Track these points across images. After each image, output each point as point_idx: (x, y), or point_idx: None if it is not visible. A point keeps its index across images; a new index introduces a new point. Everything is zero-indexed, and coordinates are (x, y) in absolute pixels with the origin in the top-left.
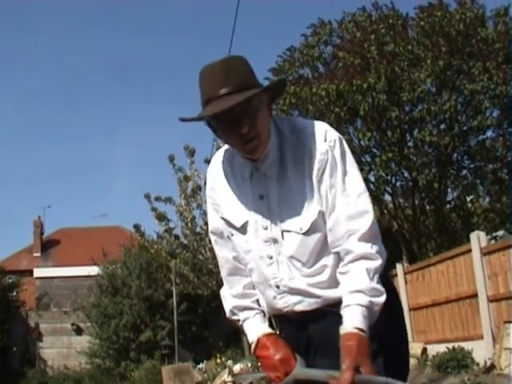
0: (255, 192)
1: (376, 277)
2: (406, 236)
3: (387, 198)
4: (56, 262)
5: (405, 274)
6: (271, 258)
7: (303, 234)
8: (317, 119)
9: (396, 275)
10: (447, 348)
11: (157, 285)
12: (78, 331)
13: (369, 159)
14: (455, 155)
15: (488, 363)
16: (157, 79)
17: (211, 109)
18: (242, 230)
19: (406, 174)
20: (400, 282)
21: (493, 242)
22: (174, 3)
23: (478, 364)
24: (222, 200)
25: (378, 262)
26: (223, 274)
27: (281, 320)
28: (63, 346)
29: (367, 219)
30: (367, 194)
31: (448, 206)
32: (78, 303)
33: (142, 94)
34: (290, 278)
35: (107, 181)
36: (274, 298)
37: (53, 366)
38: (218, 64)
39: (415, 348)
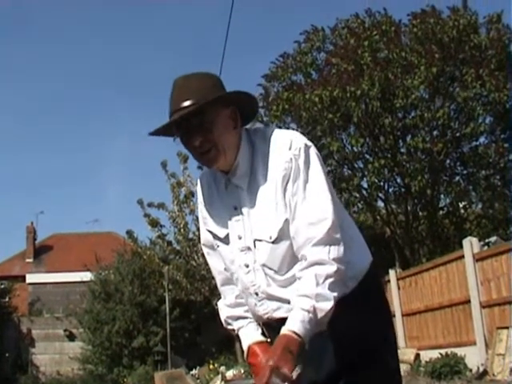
0: (230, 203)
1: (327, 282)
2: (399, 242)
3: (380, 204)
4: (48, 267)
5: (397, 279)
6: (247, 266)
7: (272, 242)
8: (310, 125)
9: (389, 281)
10: (440, 354)
11: (149, 291)
12: (71, 337)
13: (361, 165)
14: (448, 161)
15: (481, 369)
16: (149, 87)
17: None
18: (226, 240)
19: (398, 180)
20: (393, 288)
21: (485, 248)
22: (167, 14)
23: (470, 370)
24: (207, 212)
25: (330, 268)
26: (217, 284)
27: (267, 328)
28: (56, 351)
29: (324, 225)
30: (328, 200)
31: (441, 212)
32: (71, 309)
33: (135, 101)
34: (268, 284)
35: (100, 186)
36: (255, 305)
37: (45, 372)
38: (182, 78)
39: (408, 354)
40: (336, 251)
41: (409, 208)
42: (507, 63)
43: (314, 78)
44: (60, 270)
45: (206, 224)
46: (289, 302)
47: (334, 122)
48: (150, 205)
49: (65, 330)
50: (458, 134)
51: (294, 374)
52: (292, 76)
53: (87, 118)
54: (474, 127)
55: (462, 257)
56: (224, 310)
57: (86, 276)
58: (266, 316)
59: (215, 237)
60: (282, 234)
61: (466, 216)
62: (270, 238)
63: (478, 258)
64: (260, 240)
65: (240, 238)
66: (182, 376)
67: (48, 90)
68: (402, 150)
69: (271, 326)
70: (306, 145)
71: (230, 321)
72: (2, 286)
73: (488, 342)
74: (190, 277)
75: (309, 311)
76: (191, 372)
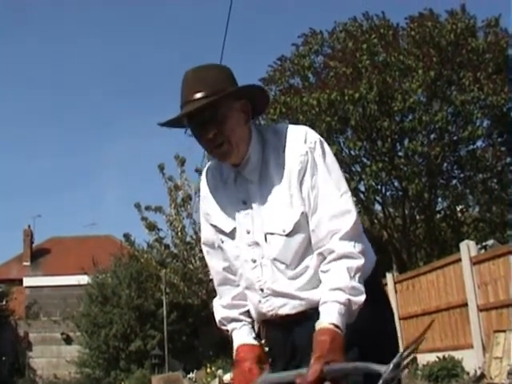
0: (239, 197)
1: (357, 276)
2: (396, 245)
3: (377, 207)
4: (46, 271)
5: (395, 283)
6: (255, 261)
7: (286, 235)
8: None
9: (386, 284)
10: (437, 357)
11: (147, 294)
12: (68, 340)
13: (359, 169)
14: (445, 165)
15: (478, 372)
16: (147, 90)
17: (178, 113)
18: (231, 235)
19: (396, 184)
20: (390, 292)
21: (483, 251)
22: (165, 15)
23: (468, 373)
24: (212, 207)
25: (359, 262)
26: (214, 284)
27: (268, 327)
28: (53, 355)
29: (349, 218)
30: (349, 193)
31: (438, 215)
32: (68, 312)
33: (133, 105)
34: (274, 280)
35: (98, 190)
36: (260, 302)
37: (42, 375)
38: (194, 70)
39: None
40: (360, 245)
41: (406, 211)
42: (505, 67)
43: (311, 82)
44: (57, 274)
45: (209, 219)
46: (294, 298)
47: (331, 125)
48: (148, 208)
49: (62, 334)
50: (455, 138)
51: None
52: (289, 79)
53: (85, 122)
54: (471, 131)
55: (460, 260)
56: (219, 310)
57: (84, 279)
58: (270, 313)
59: (220, 231)
60: (298, 227)
61: (464, 219)
62: (284, 231)
63: (476, 262)
64: (272, 233)
65: (248, 232)
66: (179, 379)
67: (46, 93)
68: (400, 154)
69: (274, 324)
70: (320, 140)
71: (224, 322)
72: (0, 290)
73: (485, 346)
74: (188, 280)
75: (344, 304)
76: (188, 375)
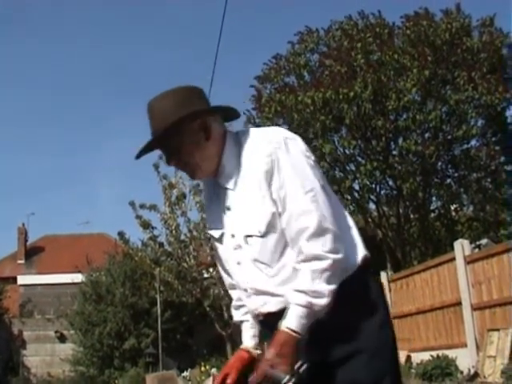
0: (223, 204)
1: (324, 277)
2: (391, 244)
3: (372, 206)
4: (40, 269)
5: (389, 282)
6: (239, 263)
7: (261, 236)
8: (302, 127)
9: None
10: (431, 356)
11: (141, 292)
12: (62, 339)
13: (353, 168)
14: (439, 164)
15: (472, 371)
16: (141, 89)
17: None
18: (220, 240)
19: (390, 183)
20: (384, 291)
21: (476, 250)
22: (161, 14)
23: (461, 372)
24: (207, 216)
25: (327, 262)
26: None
27: (260, 322)
28: (47, 353)
29: (315, 215)
30: (315, 192)
31: (432, 214)
32: (62, 310)
33: (127, 103)
34: (255, 279)
35: (92, 188)
36: (246, 300)
37: (36, 373)
38: (150, 102)
39: (399, 356)
40: (330, 242)
41: (400, 210)
42: (500, 66)
43: (306, 80)
44: (51, 272)
45: (207, 227)
46: (274, 296)
47: (326, 124)
48: (142, 206)
49: (56, 332)
50: (449, 137)
51: (299, 366)
52: (285, 78)
53: (79, 120)
54: (465, 130)
55: (454, 259)
56: (233, 311)
57: (78, 277)
58: (255, 312)
59: (212, 238)
60: (271, 227)
61: (458, 218)
62: (259, 232)
63: (469, 261)
64: (251, 236)
65: (233, 236)
66: (173, 378)
67: (40, 92)
68: (394, 153)
69: (262, 322)
70: (286, 137)
71: (237, 323)
72: None
73: (479, 344)
74: (182, 278)
75: (305, 306)
76: (183, 374)
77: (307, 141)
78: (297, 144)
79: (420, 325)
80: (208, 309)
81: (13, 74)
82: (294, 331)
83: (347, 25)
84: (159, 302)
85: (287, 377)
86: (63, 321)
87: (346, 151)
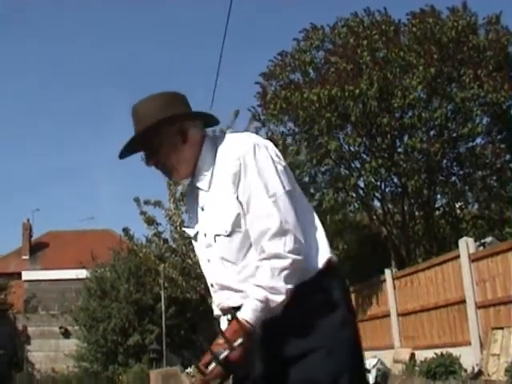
0: (198, 204)
1: (283, 275)
2: (395, 242)
3: (376, 203)
4: (44, 264)
5: (393, 279)
6: (209, 260)
7: (227, 236)
8: (307, 125)
9: (384, 281)
10: (435, 354)
11: (145, 288)
12: (66, 334)
13: (358, 165)
14: (445, 162)
15: (476, 369)
16: (145, 85)
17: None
18: (195, 238)
19: (395, 180)
20: (388, 288)
21: (481, 248)
22: (165, 11)
23: (465, 370)
24: (186, 213)
25: (286, 261)
26: None
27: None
28: (51, 349)
29: (276, 218)
30: (276, 196)
31: (437, 212)
32: (66, 306)
33: (131, 99)
34: (221, 276)
35: (96, 184)
36: (213, 295)
37: (40, 369)
38: (134, 106)
39: (403, 353)
40: (291, 242)
41: (405, 208)
42: (506, 64)
43: (312, 77)
44: (56, 268)
45: (184, 225)
46: (237, 291)
47: (331, 121)
48: (147, 202)
49: (60, 328)
50: (454, 135)
51: (235, 342)
52: (290, 75)
53: (82, 116)
54: (471, 128)
55: (458, 257)
56: (213, 306)
57: (82, 273)
58: (219, 306)
59: (189, 236)
60: (235, 227)
61: (462, 216)
62: (226, 231)
63: (474, 259)
64: (219, 235)
65: (205, 235)
66: (177, 374)
67: (44, 88)
68: (399, 150)
69: (225, 315)
70: (256, 143)
71: (216, 316)
72: None
73: (483, 342)
74: (186, 275)
75: (261, 301)
76: (186, 370)
77: (312, 138)
78: (266, 150)
79: (424, 323)
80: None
81: (14, 72)
82: (248, 322)
83: (353, 22)
84: (163, 298)
85: (226, 352)
86: (67, 316)
87: (352, 148)
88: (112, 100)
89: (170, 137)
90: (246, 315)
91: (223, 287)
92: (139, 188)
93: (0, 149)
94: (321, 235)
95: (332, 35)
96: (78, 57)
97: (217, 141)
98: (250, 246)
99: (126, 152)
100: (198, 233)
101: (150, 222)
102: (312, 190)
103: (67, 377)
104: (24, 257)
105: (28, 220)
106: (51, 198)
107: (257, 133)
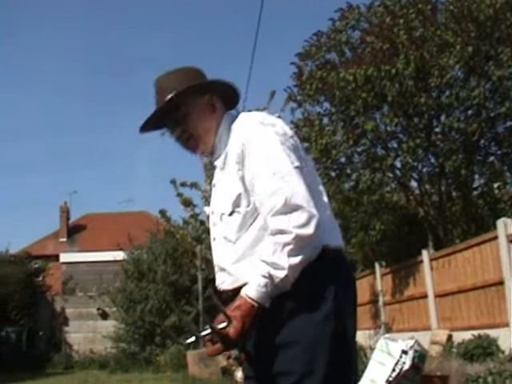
0: (212, 182)
1: (286, 250)
2: (432, 222)
3: (413, 184)
4: (82, 247)
5: (431, 260)
6: (214, 239)
7: (229, 215)
8: (343, 105)
9: (421, 262)
10: (473, 335)
11: (182, 270)
12: (104, 316)
13: (395, 145)
14: (482, 141)
15: None
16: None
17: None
18: (209, 217)
19: (432, 161)
20: (426, 269)
21: None
22: None
23: (503, 352)
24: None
25: (289, 236)
26: None
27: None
28: (89, 330)
29: (283, 194)
30: (284, 173)
31: (475, 192)
32: (104, 288)
33: None
34: (221, 257)
35: (133, 166)
36: (216, 276)
37: (79, 350)
38: (157, 78)
39: (440, 335)
40: (297, 218)
41: (442, 188)
42: None
43: (348, 57)
44: (93, 250)
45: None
46: (229, 275)
47: (367, 101)
48: (183, 184)
49: (98, 309)
50: (492, 114)
51: (218, 325)
52: (326, 54)
53: (119, 97)
54: (509, 107)
55: (496, 238)
56: None
57: (119, 255)
58: (219, 286)
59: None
60: (235, 207)
61: (501, 196)
62: (228, 210)
63: None
64: (223, 214)
65: (213, 213)
66: None
67: (83, 69)
68: (437, 130)
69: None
70: (260, 122)
71: None
72: (36, 265)
73: None
74: None
75: (265, 276)
76: None
77: (349, 118)
78: (273, 127)
79: (461, 304)
80: None
81: (59, 51)
82: (251, 298)
83: (389, 1)
84: (200, 279)
85: (224, 324)
86: (105, 298)
87: (388, 128)
88: (146, 79)
89: (199, 106)
90: (249, 291)
91: (220, 269)
92: (175, 170)
93: (39, 131)
94: (331, 220)
95: (368, 14)
96: (120, 43)
97: (232, 119)
98: (249, 226)
99: (148, 125)
100: (211, 211)
101: (187, 203)
102: (348, 171)
103: (105, 357)
104: (62, 239)
105: (65, 203)
106: (88, 181)
107: (293, 113)
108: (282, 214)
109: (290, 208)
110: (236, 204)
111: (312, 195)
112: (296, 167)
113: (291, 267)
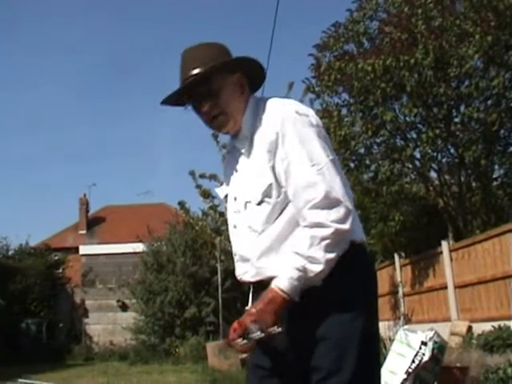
0: (234, 166)
1: (323, 244)
2: (452, 213)
3: (433, 174)
4: (101, 239)
5: (450, 251)
6: (235, 227)
7: (257, 204)
8: (362, 95)
9: (441, 253)
10: (493, 326)
11: (202, 262)
12: (124, 308)
13: (414, 135)
14: (502, 132)
15: None
16: None
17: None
18: (225, 200)
19: (452, 151)
20: (445, 260)
21: None
22: None
23: None
24: (223, 171)
25: (328, 230)
26: None
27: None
28: (109, 322)
29: (322, 187)
30: (321, 165)
31: (495, 182)
32: (123, 280)
33: None
34: (243, 246)
35: (152, 158)
36: (236, 265)
37: (98, 341)
38: (187, 50)
39: (460, 326)
40: (337, 212)
41: (462, 179)
42: None
43: (366, 48)
44: (112, 242)
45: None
46: (253, 266)
47: (386, 91)
48: (202, 176)
49: (117, 301)
50: None
51: (272, 330)
52: (344, 45)
53: (138, 89)
54: None
55: None
56: None
57: (139, 247)
58: (239, 277)
59: (219, 199)
60: (265, 197)
61: None
62: (256, 199)
63: None
64: (250, 202)
65: (235, 199)
66: None
67: (101, 61)
68: (456, 120)
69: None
70: (296, 111)
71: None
72: (56, 258)
73: None
74: None
75: (299, 269)
76: None
77: (367, 109)
78: (307, 117)
79: (481, 295)
80: None
81: (78, 47)
82: (283, 291)
83: None
84: (219, 271)
85: (258, 333)
86: (125, 290)
87: (407, 119)
88: (165, 70)
89: (230, 84)
90: (282, 283)
91: (243, 259)
92: (194, 162)
93: (57, 123)
94: (355, 213)
95: (386, 5)
96: (140, 37)
97: (259, 103)
98: (277, 218)
99: (170, 98)
100: (227, 195)
101: (206, 195)
102: (368, 162)
103: (125, 349)
104: (81, 231)
105: (85, 195)
106: (107, 173)
107: (311, 104)
108: (321, 208)
109: (329, 202)
110: (266, 194)
111: (346, 189)
112: (332, 160)
113: (327, 262)
